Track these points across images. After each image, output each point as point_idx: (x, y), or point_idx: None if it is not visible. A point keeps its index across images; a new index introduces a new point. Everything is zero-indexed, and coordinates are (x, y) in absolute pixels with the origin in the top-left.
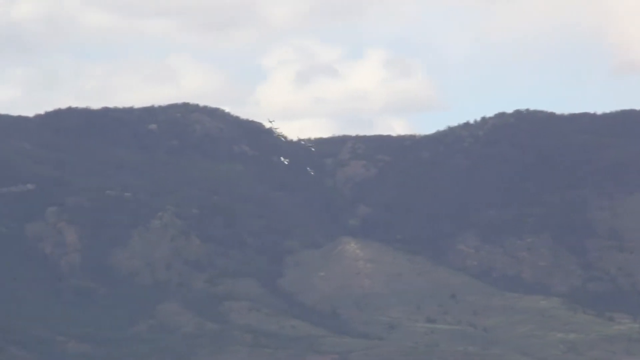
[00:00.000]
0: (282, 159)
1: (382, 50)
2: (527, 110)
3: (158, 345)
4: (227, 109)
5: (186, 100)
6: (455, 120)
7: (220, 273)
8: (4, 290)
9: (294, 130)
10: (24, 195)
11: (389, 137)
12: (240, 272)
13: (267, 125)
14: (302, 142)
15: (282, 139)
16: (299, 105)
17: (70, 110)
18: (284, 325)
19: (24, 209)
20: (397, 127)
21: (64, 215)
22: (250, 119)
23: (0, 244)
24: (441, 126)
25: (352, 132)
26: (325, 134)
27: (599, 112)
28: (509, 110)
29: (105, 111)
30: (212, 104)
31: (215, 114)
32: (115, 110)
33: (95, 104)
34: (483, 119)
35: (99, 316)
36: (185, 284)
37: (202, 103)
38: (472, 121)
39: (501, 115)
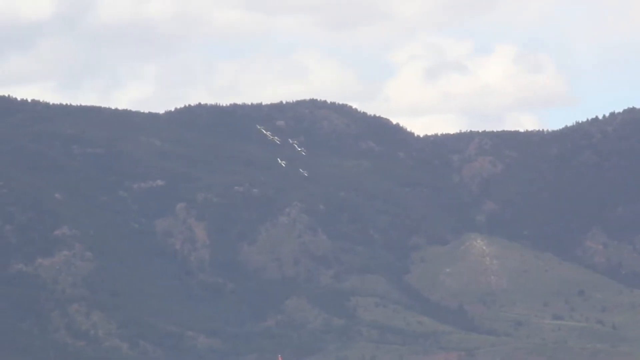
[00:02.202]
0: (279, 160)
1: (512, 46)
2: None
3: (285, 340)
4: (354, 105)
5: (314, 97)
6: (584, 116)
7: (347, 269)
8: (135, 286)
9: (421, 126)
10: (154, 191)
11: (516, 132)
12: (366, 268)
13: (394, 121)
14: (295, 145)
15: (277, 142)
16: (427, 101)
17: (199, 107)
18: (410, 322)
19: (154, 205)
20: (526, 122)
21: (193, 211)
22: (377, 115)
23: (132, 240)
24: (570, 122)
25: (481, 128)
26: (452, 129)
27: None
28: (639, 105)
29: (234, 108)
30: (340, 100)
31: (342, 110)
32: (244, 107)
33: (225, 101)
34: (612, 114)
35: (227, 311)
36: (313, 279)
37: (330, 99)
38: (600, 116)
39: (630, 111)
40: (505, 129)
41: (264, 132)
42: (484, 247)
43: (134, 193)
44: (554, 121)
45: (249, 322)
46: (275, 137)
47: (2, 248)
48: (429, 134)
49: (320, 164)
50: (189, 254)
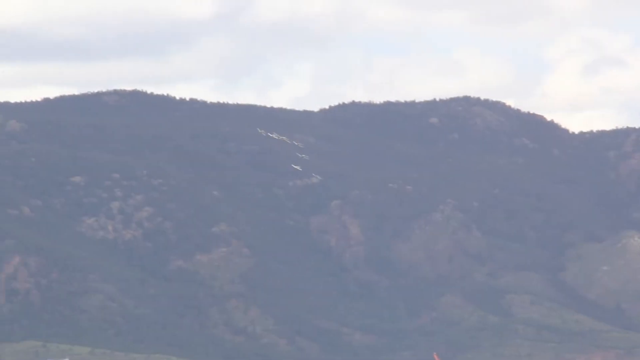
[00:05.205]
0: (293, 166)
1: None
2: None
3: (440, 337)
4: (508, 102)
5: (468, 94)
6: None
7: (501, 266)
8: (291, 282)
9: (579, 122)
10: (310, 189)
11: None
12: (521, 266)
13: (550, 118)
14: (298, 151)
15: (287, 142)
16: (585, 97)
17: (353, 105)
18: (566, 320)
19: (309, 202)
20: None
21: (347, 208)
22: (532, 111)
23: (287, 237)
24: None
25: (638, 124)
26: (611, 125)
27: None
28: None
29: (388, 105)
30: (496, 97)
31: (496, 107)
32: (397, 104)
33: (379, 98)
34: None
35: (382, 308)
36: (467, 277)
37: (484, 96)
38: None
39: None
40: None
41: (270, 134)
42: None
43: (289, 190)
44: None
45: (404, 319)
46: (284, 137)
47: (161, 245)
48: (585, 130)
49: (473, 161)
50: (344, 251)
